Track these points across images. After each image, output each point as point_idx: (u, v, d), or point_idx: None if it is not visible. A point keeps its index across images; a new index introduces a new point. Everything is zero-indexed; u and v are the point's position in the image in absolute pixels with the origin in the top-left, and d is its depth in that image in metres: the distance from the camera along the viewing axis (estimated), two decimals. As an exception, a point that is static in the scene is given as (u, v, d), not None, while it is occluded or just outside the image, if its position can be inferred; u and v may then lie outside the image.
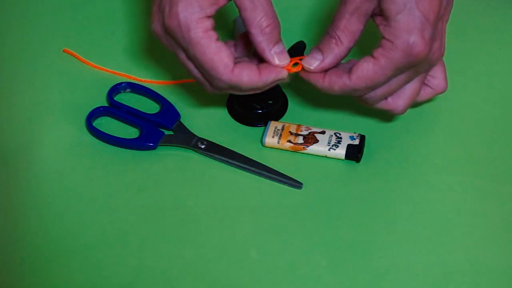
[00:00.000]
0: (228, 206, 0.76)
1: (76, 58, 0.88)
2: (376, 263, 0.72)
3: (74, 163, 0.79)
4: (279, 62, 0.73)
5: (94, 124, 0.82)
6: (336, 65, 0.73)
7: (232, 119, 0.83)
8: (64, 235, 0.74)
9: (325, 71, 0.73)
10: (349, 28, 0.71)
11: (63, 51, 0.89)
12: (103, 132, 0.81)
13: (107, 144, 0.81)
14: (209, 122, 0.83)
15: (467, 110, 0.84)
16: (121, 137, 0.81)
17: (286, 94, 0.84)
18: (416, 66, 0.71)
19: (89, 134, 0.82)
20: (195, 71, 0.74)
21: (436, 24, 0.70)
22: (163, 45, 0.74)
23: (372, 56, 0.70)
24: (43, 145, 0.80)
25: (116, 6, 0.94)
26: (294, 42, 0.82)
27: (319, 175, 0.78)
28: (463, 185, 0.77)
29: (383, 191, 0.77)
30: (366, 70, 0.71)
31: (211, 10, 0.70)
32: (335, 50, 0.72)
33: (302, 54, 0.76)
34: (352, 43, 0.72)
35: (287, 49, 0.74)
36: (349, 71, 0.71)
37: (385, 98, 0.74)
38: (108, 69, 0.87)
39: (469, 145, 0.81)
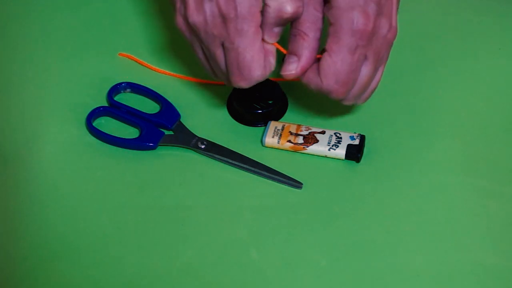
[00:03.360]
0: (228, 206, 0.76)
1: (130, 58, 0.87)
2: (376, 263, 0.72)
3: (74, 163, 0.79)
4: (268, 39, 0.71)
5: (94, 124, 0.82)
6: (313, 60, 0.72)
7: (232, 119, 0.83)
8: (64, 235, 0.74)
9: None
10: (308, 19, 0.70)
11: (119, 54, 0.87)
12: (103, 132, 0.81)
13: (107, 144, 0.81)
14: (209, 122, 0.83)
15: (467, 110, 0.84)
16: (121, 137, 0.81)
17: (286, 94, 0.84)
18: (370, 46, 0.70)
19: (89, 134, 0.82)
20: (221, 62, 0.72)
21: (380, 0, 0.69)
22: (198, 34, 0.71)
23: (325, 49, 0.70)
24: (43, 145, 0.80)
25: (116, 6, 0.94)
26: None
27: (319, 175, 0.78)
28: (463, 185, 0.77)
29: (383, 191, 0.77)
30: (327, 65, 0.70)
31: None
32: (305, 45, 0.71)
33: None
34: (318, 32, 0.71)
35: None
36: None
37: (363, 93, 0.74)
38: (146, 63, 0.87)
39: (469, 145, 0.81)
